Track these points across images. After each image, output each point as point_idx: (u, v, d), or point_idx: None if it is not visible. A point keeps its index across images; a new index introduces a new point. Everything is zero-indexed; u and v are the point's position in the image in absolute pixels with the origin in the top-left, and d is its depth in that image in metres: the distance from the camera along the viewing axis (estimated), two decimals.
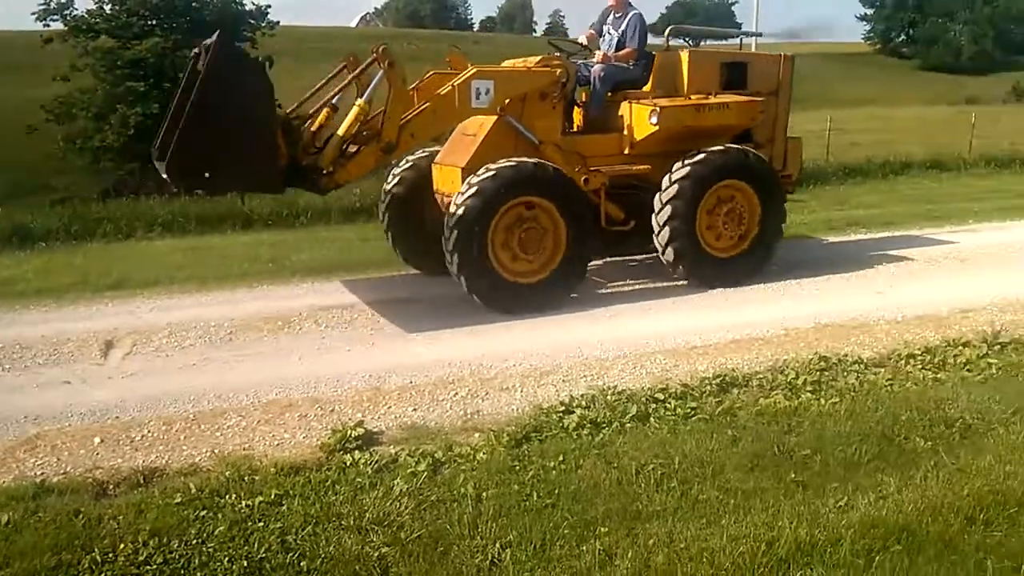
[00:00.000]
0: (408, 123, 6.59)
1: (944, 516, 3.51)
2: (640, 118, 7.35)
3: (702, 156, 7.22)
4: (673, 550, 3.28)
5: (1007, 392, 4.81)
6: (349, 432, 4.35)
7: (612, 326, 6.38)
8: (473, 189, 6.49)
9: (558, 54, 7.73)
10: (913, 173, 16.22)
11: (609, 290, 7.62)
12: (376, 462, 4.06)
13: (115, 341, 6.19)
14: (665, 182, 7.22)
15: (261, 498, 3.68)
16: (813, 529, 3.39)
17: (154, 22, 16.92)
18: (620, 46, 7.78)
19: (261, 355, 5.88)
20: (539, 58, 7.45)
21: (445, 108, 6.74)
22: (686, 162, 7.21)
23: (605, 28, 8.03)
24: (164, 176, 5.97)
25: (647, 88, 7.63)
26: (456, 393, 5.05)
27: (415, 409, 4.83)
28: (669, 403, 4.72)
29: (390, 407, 4.87)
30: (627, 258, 8.30)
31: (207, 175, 5.76)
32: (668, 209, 7.16)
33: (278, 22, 18.41)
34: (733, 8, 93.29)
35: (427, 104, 6.70)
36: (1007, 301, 6.91)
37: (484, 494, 3.74)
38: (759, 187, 7.51)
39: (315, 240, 10.08)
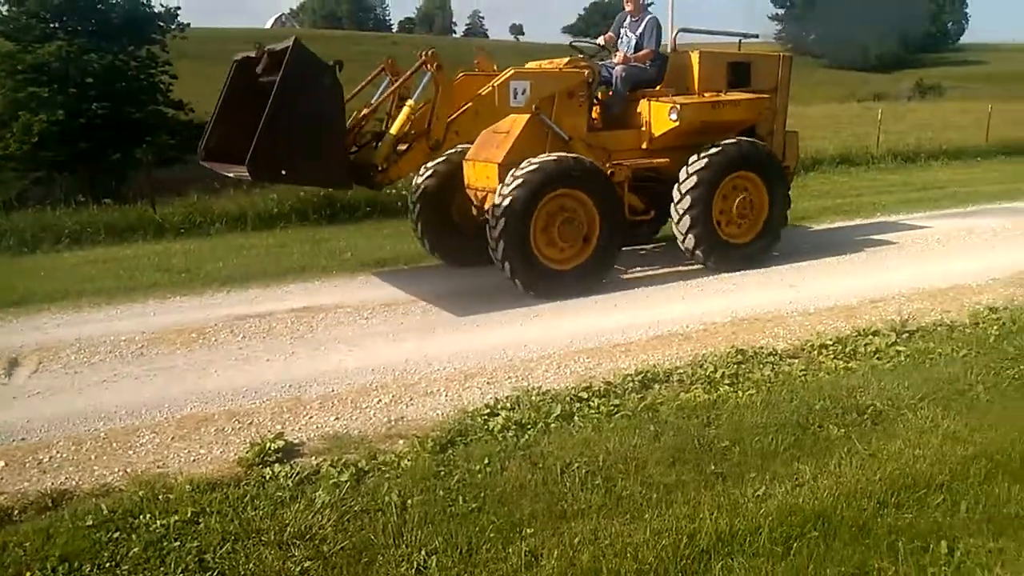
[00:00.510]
0: (453, 122, 7.06)
1: (858, 501, 3.63)
2: (660, 115, 7.93)
3: (717, 149, 7.82)
4: (598, 547, 3.31)
5: (915, 378, 5.00)
6: (268, 445, 4.24)
7: (535, 327, 6.39)
8: (519, 181, 6.92)
9: (581, 56, 8.25)
10: (824, 168, 16.81)
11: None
12: (297, 474, 3.97)
13: (20, 359, 5.91)
14: (683, 174, 7.82)
15: (177, 517, 3.55)
16: (733, 519, 3.46)
17: (56, 25, 16.28)
18: (638, 48, 8.35)
19: (174, 369, 5.68)
20: (567, 60, 8.01)
21: (486, 107, 7.21)
22: (703, 155, 7.80)
23: (622, 31, 8.61)
24: (229, 175, 6.59)
25: (660, 87, 8.23)
26: (379, 400, 4.99)
27: (337, 418, 4.74)
28: (593, 401, 4.75)
29: (311, 417, 4.77)
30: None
31: (283, 172, 6.07)
32: (687, 199, 7.74)
33: (188, 24, 17.91)
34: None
35: (469, 104, 7.15)
36: (914, 290, 7.20)
37: (409, 502, 3.70)
38: (767, 178, 8.17)
39: (230, 248, 9.83)
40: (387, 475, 3.98)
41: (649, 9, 8.53)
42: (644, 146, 8.09)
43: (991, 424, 4.38)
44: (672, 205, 7.90)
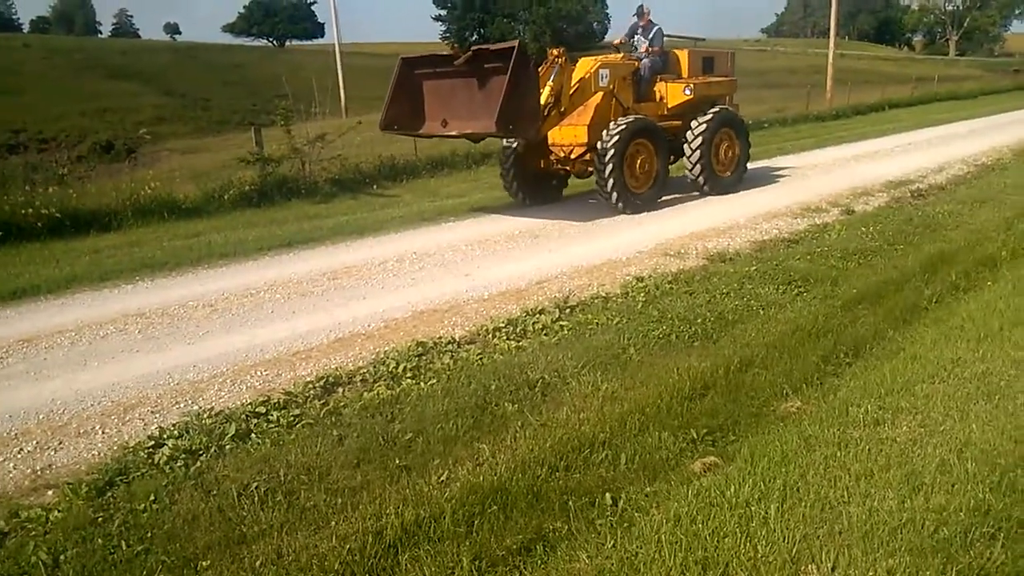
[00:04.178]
0: (571, 96, 10.19)
1: (532, 470, 3.83)
2: (674, 92, 11.70)
3: (712, 115, 11.57)
4: (281, 566, 3.15)
5: (577, 349, 5.42)
6: None
7: (203, 345, 5.93)
8: (619, 132, 10.30)
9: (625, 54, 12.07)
10: (493, 162, 17.65)
11: (195, 305, 7.13)
12: None
13: None
14: (691, 133, 11.48)
15: None
16: (418, 509, 3.48)
17: None
18: (651, 47, 11.84)
19: None
20: (622, 55, 11.95)
21: (586, 86, 10.51)
22: (703, 119, 11.50)
23: (636, 36, 12.09)
24: (451, 133, 9.78)
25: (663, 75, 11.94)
26: (21, 449, 4.33)
27: None
28: (272, 415, 4.53)
29: None
30: None
31: (511, 127, 8.92)
32: (697, 148, 11.46)
33: None
34: (313, 8, 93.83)
35: (577, 84, 10.32)
36: (574, 269, 7.81)
37: (62, 557, 3.28)
38: (739, 132, 12.30)
39: None
40: (33, 532, 3.50)
41: (652, 20, 12.03)
42: (660, 113, 11.65)
43: (642, 381, 4.87)
44: (686, 155, 11.57)
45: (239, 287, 7.45)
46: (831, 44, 33.37)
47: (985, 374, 4.65)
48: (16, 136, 28.00)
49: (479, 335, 5.90)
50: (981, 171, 13.52)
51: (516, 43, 8.93)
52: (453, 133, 9.71)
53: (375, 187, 13.76)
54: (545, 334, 5.84)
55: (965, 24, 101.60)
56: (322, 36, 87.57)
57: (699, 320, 5.93)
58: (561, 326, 5.98)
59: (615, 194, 10.40)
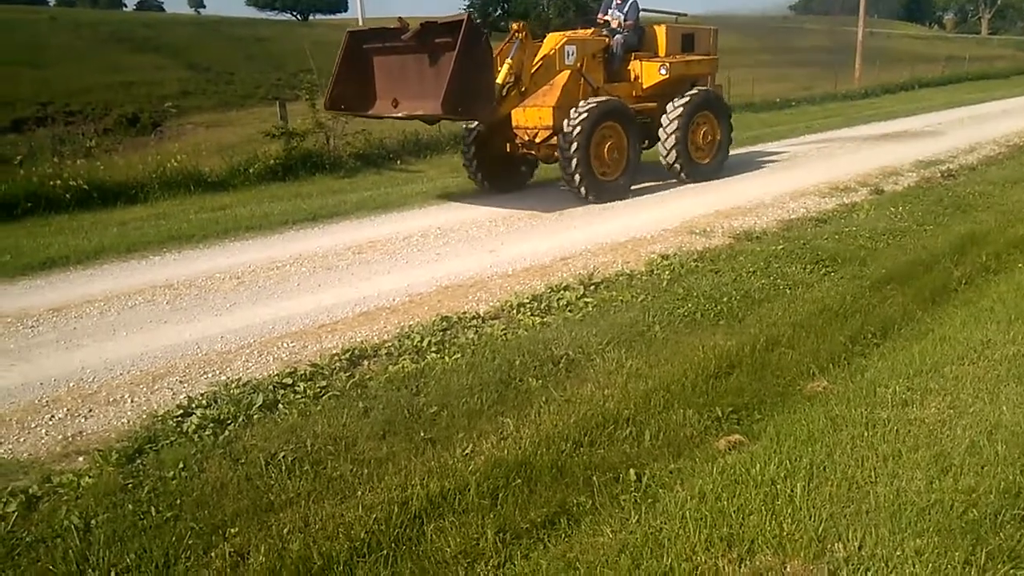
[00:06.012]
0: (533, 75, 9.50)
1: (556, 444, 3.84)
2: (650, 70, 10.85)
3: (689, 96, 10.70)
4: (308, 534, 3.19)
5: (601, 326, 5.41)
6: None
7: (230, 316, 5.98)
8: (583, 115, 9.46)
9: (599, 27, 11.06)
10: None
11: (222, 277, 7.17)
12: None
13: None
14: (667, 114, 10.62)
15: None
16: (443, 481, 3.50)
17: None
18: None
19: None
20: (592, 30, 10.83)
21: (551, 64, 9.75)
22: (680, 100, 10.65)
23: (611, 11, 11.18)
24: (398, 115, 8.89)
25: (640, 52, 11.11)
26: (52, 416, 4.39)
27: None
28: (298, 386, 4.57)
29: None
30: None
31: (460, 109, 8.11)
32: (672, 131, 10.59)
33: None
34: None
35: (541, 62, 9.61)
36: (598, 246, 7.77)
37: (93, 522, 3.33)
38: (719, 116, 11.44)
39: None
40: (65, 497, 3.55)
41: None
42: (635, 94, 10.87)
43: (667, 358, 4.86)
44: (661, 139, 10.74)
45: (265, 260, 7.50)
46: (860, 22, 32.83)
47: (1015, 356, 4.60)
48: (43, 109, 28.15)
49: (503, 310, 5.90)
50: (1013, 152, 13.29)
51: (466, 16, 8.19)
52: (402, 114, 8.97)
53: (399, 162, 13.76)
54: (569, 310, 5.83)
55: (998, 2, 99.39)
56: (346, 10, 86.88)
57: (725, 298, 5.89)
58: (586, 303, 5.97)
59: (578, 178, 9.57)
